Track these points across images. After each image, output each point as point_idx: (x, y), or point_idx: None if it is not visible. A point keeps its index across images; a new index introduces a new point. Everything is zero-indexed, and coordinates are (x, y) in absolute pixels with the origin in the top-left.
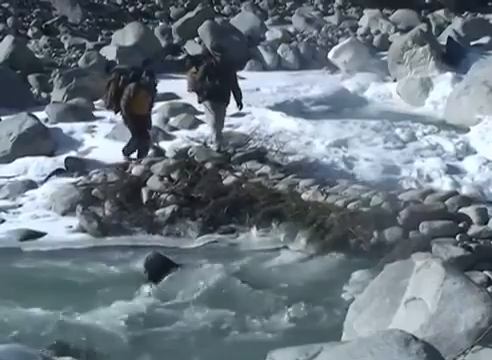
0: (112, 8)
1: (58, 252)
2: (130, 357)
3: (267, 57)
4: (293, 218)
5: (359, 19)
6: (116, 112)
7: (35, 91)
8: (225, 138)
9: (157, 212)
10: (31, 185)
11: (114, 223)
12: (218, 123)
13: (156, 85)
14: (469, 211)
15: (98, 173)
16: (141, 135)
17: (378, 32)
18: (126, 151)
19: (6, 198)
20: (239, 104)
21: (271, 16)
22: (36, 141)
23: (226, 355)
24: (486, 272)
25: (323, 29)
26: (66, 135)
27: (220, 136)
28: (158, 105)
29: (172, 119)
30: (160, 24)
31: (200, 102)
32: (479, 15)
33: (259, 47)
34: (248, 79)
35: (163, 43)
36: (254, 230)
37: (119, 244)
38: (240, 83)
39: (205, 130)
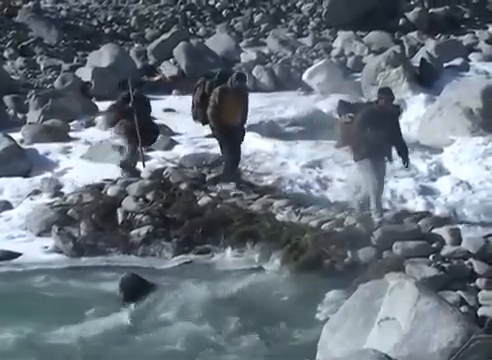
0: (88, 30)
1: (33, 272)
2: None
3: None
4: (268, 238)
5: (333, 41)
6: (204, 124)
7: (11, 112)
8: (202, 159)
9: (132, 233)
10: (6, 206)
11: (89, 243)
12: (379, 187)
13: (246, 92)
14: (442, 231)
15: (73, 194)
16: (231, 150)
17: (352, 54)
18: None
19: None
20: (405, 161)
21: (246, 38)
22: (12, 162)
23: None
24: (459, 292)
25: (297, 51)
26: (42, 156)
27: (380, 203)
28: None
29: None
30: (136, 45)
31: (356, 160)
32: (452, 37)
33: (234, 69)
34: None
35: (139, 64)
36: (229, 250)
37: (94, 264)
38: None
39: (180, 151)
